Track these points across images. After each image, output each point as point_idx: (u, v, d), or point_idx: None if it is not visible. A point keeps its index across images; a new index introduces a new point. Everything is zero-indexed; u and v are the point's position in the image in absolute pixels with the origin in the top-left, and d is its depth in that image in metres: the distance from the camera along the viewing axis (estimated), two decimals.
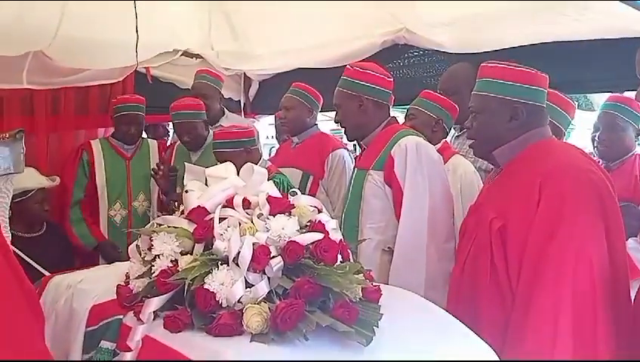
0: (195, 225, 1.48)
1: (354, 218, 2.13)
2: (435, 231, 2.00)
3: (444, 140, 2.56)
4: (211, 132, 3.18)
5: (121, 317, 1.47)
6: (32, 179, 2.68)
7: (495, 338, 1.48)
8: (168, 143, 3.64)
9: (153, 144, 3.46)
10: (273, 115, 4.07)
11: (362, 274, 1.51)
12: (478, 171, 2.45)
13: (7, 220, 2.01)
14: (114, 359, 1.40)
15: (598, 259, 1.50)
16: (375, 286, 1.48)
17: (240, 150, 2.56)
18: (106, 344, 1.45)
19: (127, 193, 3.26)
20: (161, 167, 3.11)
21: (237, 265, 1.36)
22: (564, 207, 1.51)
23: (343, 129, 2.26)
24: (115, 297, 1.54)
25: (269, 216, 1.47)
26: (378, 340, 1.28)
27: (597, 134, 2.65)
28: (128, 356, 1.36)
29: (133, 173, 3.29)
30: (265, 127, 6.64)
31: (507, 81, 1.67)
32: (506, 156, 1.72)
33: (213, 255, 1.39)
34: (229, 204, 1.51)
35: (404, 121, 2.60)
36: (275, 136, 3.92)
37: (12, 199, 2.55)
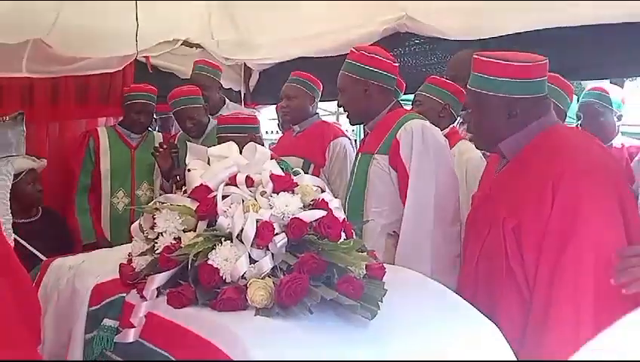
0: (198, 203, 1.46)
1: (358, 202, 2.11)
2: (441, 214, 1.99)
3: (451, 126, 2.55)
4: (212, 120, 3.20)
5: (124, 295, 1.46)
6: (21, 162, 2.71)
7: (514, 335, 1.45)
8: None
9: (159, 137, 3.48)
10: (274, 106, 4.06)
11: (366, 253, 1.51)
12: (484, 156, 2.44)
13: (9, 203, 2.00)
14: (117, 336, 1.39)
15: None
16: (378, 263, 1.48)
17: (244, 136, 2.54)
18: (109, 322, 1.44)
19: (130, 181, 3.28)
20: (164, 146, 3.13)
21: (240, 241, 1.35)
22: (580, 205, 1.47)
23: (347, 113, 2.24)
24: (117, 277, 1.54)
25: (272, 194, 1.46)
26: (382, 315, 1.27)
27: (579, 123, 2.67)
28: (132, 332, 1.35)
29: (137, 162, 3.30)
30: (264, 122, 6.60)
31: (501, 77, 1.59)
32: (513, 148, 1.66)
33: (216, 231, 1.38)
34: (232, 182, 1.50)
35: (411, 106, 2.59)
36: (278, 125, 3.90)
37: None
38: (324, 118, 4.77)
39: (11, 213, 2.55)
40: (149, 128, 3.49)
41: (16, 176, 2.66)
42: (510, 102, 1.60)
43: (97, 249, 3.02)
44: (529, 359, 1.46)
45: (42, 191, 2.91)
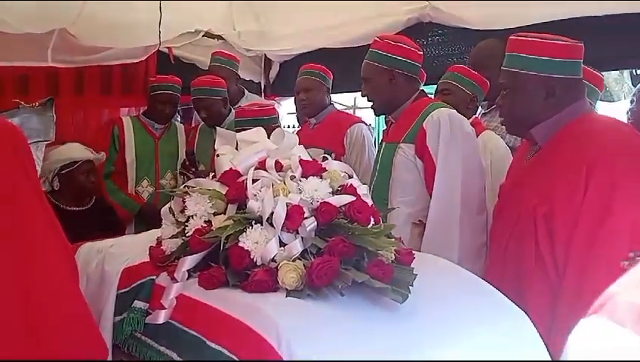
0: (228, 188, 1.48)
1: (383, 191, 2.10)
2: (468, 203, 1.98)
3: (474, 116, 2.53)
4: (233, 111, 3.21)
5: (154, 277, 1.47)
6: (79, 151, 2.78)
7: (542, 322, 1.43)
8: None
9: (181, 128, 3.52)
10: (293, 98, 4.06)
11: (394, 239, 1.51)
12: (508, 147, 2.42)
13: None
14: (147, 317, 1.41)
15: None
16: (407, 249, 1.47)
17: (263, 127, 2.55)
18: (139, 304, 1.45)
19: (155, 171, 3.32)
20: (191, 168, 3.22)
21: (270, 224, 1.35)
22: (615, 191, 1.45)
23: (371, 103, 2.22)
24: (147, 260, 1.55)
25: (301, 179, 1.46)
26: (412, 300, 1.27)
27: (632, 107, 2.64)
28: (162, 314, 1.37)
29: (161, 152, 3.34)
30: (284, 116, 6.54)
31: (540, 56, 1.57)
32: (545, 134, 1.63)
33: (247, 214, 1.38)
34: (261, 166, 1.51)
35: (434, 96, 2.57)
36: (297, 118, 3.91)
37: (60, 170, 2.68)
38: None
39: (62, 200, 2.69)
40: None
41: (71, 164, 2.71)
42: (548, 81, 1.58)
43: (145, 216, 3.12)
44: (558, 347, 1.44)
45: (95, 183, 2.91)
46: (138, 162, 3.28)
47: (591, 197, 1.47)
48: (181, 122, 3.77)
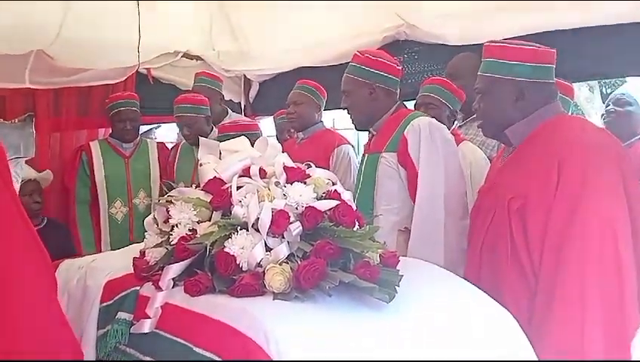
0: (212, 196, 1.47)
1: (368, 202, 2.11)
2: (451, 208, 2.00)
3: (452, 128, 2.57)
4: (215, 129, 3.22)
5: (137, 288, 1.46)
6: (21, 172, 2.72)
7: (520, 317, 1.45)
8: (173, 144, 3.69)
9: (152, 144, 3.50)
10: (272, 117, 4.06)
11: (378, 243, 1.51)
12: (488, 152, 2.47)
13: None
14: (133, 327, 1.38)
15: (622, 233, 1.49)
16: (392, 252, 1.48)
17: None
18: (123, 315, 1.43)
19: (127, 191, 3.29)
20: None
21: (256, 230, 1.35)
22: (585, 183, 1.50)
23: (350, 116, 2.23)
24: (129, 273, 1.53)
25: (285, 185, 1.47)
26: (398, 301, 1.27)
27: (607, 109, 2.75)
28: (147, 323, 1.34)
29: (132, 171, 3.32)
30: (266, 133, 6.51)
31: (510, 60, 1.66)
32: (519, 135, 1.70)
33: (232, 220, 1.38)
34: (245, 173, 1.51)
35: (414, 109, 2.59)
36: (276, 137, 3.92)
37: None
38: None
39: None
40: (148, 137, 3.51)
41: None
42: (518, 86, 1.65)
43: None
44: (536, 336, 1.45)
45: (40, 203, 2.89)
46: (108, 184, 3.25)
47: (562, 193, 1.52)
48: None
